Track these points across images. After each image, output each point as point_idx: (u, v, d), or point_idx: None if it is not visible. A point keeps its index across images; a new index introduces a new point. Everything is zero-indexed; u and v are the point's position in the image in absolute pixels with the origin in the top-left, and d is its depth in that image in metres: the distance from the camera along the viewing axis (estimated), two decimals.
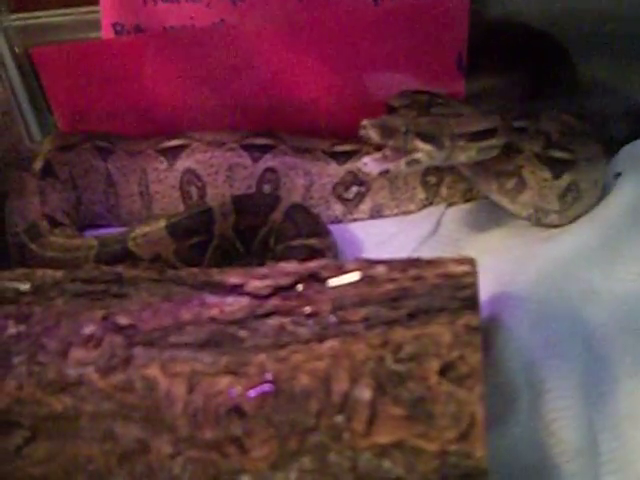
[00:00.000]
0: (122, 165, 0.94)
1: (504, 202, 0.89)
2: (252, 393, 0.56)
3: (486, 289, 0.67)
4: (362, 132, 0.79)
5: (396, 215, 0.97)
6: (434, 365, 0.56)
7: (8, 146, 0.95)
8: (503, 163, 0.88)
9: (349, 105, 0.92)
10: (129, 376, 0.58)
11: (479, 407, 0.54)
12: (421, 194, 0.94)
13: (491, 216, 0.93)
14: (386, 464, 0.53)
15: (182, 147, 0.94)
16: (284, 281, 0.62)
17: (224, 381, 0.57)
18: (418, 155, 0.82)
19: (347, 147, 0.97)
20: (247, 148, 0.93)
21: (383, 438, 0.54)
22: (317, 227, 0.85)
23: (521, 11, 0.91)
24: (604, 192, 0.89)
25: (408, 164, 0.82)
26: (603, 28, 0.91)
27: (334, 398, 0.55)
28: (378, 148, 0.81)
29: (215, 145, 0.92)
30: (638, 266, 0.83)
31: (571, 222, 0.89)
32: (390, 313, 0.58)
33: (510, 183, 0.89)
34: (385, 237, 0.90)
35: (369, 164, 0.80)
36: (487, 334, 0.74)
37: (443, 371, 0.56)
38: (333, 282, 0.62)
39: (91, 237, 0.85)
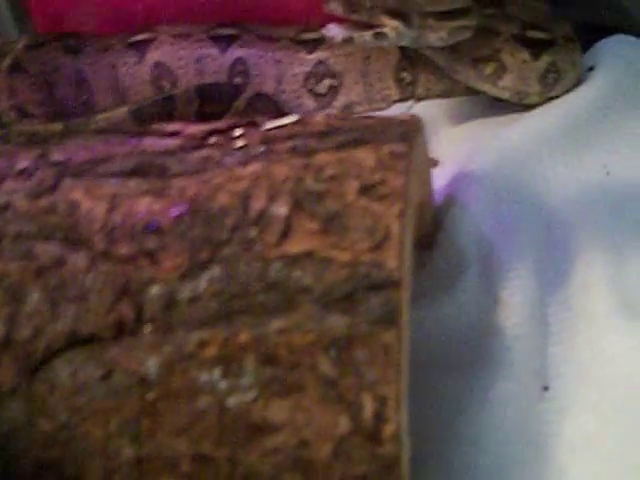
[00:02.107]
0: (92, 61, 0.96)
1: (484, 87, 0.89)
2: (170, 211, 0.55)
3: (447, 175, 0.66)
4: (325, 6, 0.78)
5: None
6: (354, 185, 0.55)
7: None
8: (480, 48, 0.87)
9: None
10: (54, 199, 0.57)
11: (396, 222, 0.53)
12: (395, 94, 0.91)
13: (460, 109, 0.90)
14: (296, 273, 0.52)
15: (150, 40, 0.94)
16: (222, 125, 0.62)
17: (144, 201, 0.56)
18: (385, 29, 0.81)
19: (314, 35, 0.95)
20: (214, 39, 0.93)
21: (294, 248, 0.53)
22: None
23: None
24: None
25: (375, 36, 0.82)
26: None
27: (251, 214, 0.54)
28: None
29: (182, 37, 0.92)
30: (604, 158, 0.81)
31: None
32: (316, 144, 0.57)
33: (489, 68, 0.88)
34: None
35: (333, 29, 0.79)
36: (441, 212, 0.72)
37: (363, 190, 0.54)
38: (269, 124, 0.61)
39: (56, 123, 0.85)
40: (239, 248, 0.53)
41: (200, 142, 0.61)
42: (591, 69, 0.89)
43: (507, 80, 0.86)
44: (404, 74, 0.92)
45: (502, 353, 0.64)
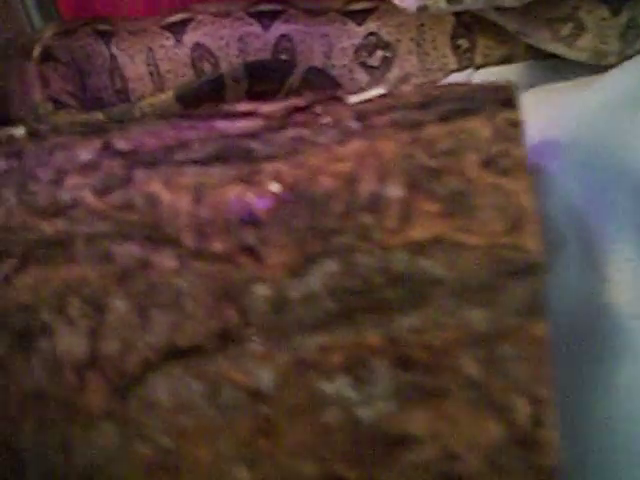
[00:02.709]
0: (126, 46, 0.86)
1: (560, 49, 0.81)
2: (266, 200, 0.47)
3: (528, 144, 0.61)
4: None
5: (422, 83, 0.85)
6: (473, 159, 0.47)
7: (10, 37, 0.87)
8: (556, 8, 0.79)
9: None
10: (128, 194, 0.50)
11: (528, 198, 0.45)
12: (452, 62, 0.83)
13: (526, 75, 0.83)
14: (423, 262, 0.44)
15: (187, 21, 0.85)
16: (301, 102, 0.54)
17: (234, 190, 0.48)
18: None
19: (362, 5, 0.87)
20: (255, 15, 0.84)
21: (419, 234, 0.45)
22: (338, 89, 0.75)
23: None
24: None
25: (449, 1, 0.73)
26: None
27: (360, 198, 0.47)
28: None
29: (221, 16, 0.84)
30: None
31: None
32: (419, 116, 0.49)
33: (566, 29, 0.80)
34: None
35: None
36: None
37: (484, 165, 0.46)
38: (354, 99, 0.53)
39: (96, 112, 0.77)
40: (354, 237, 0.46)
41: (283, 121, 0.52)
42: None
43: (585, 40, 0.79)
44: (461, 41, 0.84)
45: (622, 335, 0.57)
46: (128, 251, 0.49)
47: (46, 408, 0.48)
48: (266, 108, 0.56)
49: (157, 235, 0.49)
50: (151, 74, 0.89)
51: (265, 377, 0.46)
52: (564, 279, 0.62)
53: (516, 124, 0.50)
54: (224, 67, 0.87)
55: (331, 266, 0.47)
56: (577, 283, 0.61)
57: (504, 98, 0.52)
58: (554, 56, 0.83)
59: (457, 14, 0.86)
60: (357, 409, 0.45)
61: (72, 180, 0.53)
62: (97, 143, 0.55)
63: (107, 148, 0.54)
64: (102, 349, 0.48)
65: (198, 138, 0.53)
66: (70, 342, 0.48)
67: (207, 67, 0.87)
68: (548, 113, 0.72)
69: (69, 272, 0.50)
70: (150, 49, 0.88)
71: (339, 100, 0.56)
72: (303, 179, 0.49)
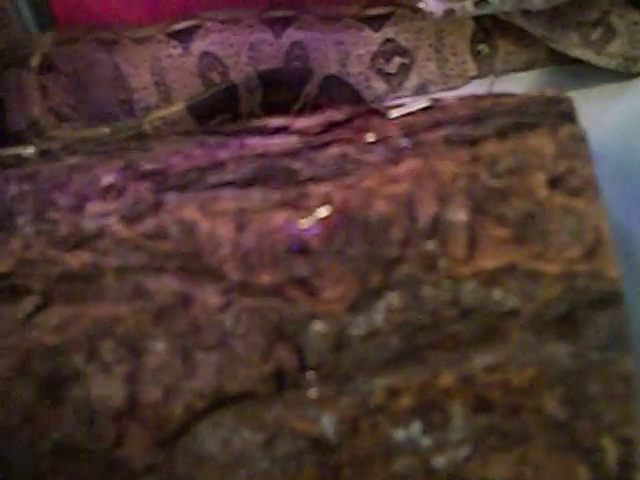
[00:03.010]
0: (130, 55, 0.80)
1: (588, 55, 0.78)
2: (316, 226, 0.42)
3: None
4: None
5: (442, 92, 0.84)
6: (540, 178, 0.43)
7: (5, 45, 0.81)
8: (585, 11, 0.77)
9: None
10: (161, 222, 0.44)
11: (604, 221, 0.41)
12: (472, 69, 0.79)
13: (550, 82, 0.79)
14: (497, 293, 0.40)
15: (195, 28, 0.79)
16: (338, 116, 0.49)
17: (280, 216, 0.43)
18: None
19: (379, 10, 0.83)
20: (267, 22, 0.79)
21: (489, 263, 0.40)
22: (358, 98, 0.71)
23: None
24: None
25: (476, 4, 0.70)
26: None
27: (421, 223, 0.42)
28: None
29: (231, 22, 0.78)
30: None
31: None
32: (473, 131, 0.45)
33: (596, 33, 0.77)
34: None
35: (431, 2, 0.65)
36: None
37: (552, 184, 0.42)
38: (396, 112, 0.48)
39: (101, 127, 0.71)
40: (418, 267, 0.42)
41: (323, 138, 0.47)
42: None
43: (616, 45, 0.77)
44: (481, 46, 0.80)
45: None
46: (165, 285, 0.44)
47: (80, 464, 0.42)
48: (301, 123, 0.51)
49: (197, 267, 0.44)
50: (157, 84, 0.83)
51: (328, 424, 0.41)
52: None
53: (580, 139, 0.46)
54: (234, 76, 0.82)
55: (395, 299, 0.43)
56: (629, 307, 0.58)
57: (563, 111, 0.48)
58: (577, 62, 0.78)
59: (477, 19, 0.83)
60: (431, 456, 0.40)
61: (95, 206, 0.48)
62: (119, 164, 0.50)
63: (131, 169, 0.49)
64: (141, 396, 0.43)
65: (231, 157, 0.49)
66: (105, 389, 0.43)
67: (216, 76, 0.83)
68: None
69: (99, 310, 0.45)
70: (156, 58, 0.81)
71: (379, 114, 0.51)
72: (356, 203, 0.45)
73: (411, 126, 0.49)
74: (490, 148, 0.46)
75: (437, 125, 0.49)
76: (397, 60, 0.81)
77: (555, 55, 0.80)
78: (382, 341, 0.42)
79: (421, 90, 0.83)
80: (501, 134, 0.47)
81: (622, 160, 0.68)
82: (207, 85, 0.84)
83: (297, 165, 0.47)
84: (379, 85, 0.84)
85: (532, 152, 0.46)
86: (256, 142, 0.51)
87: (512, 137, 0.47)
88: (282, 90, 0.75)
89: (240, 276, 0.44)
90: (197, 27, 0.84)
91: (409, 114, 0.51)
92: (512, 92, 0.52)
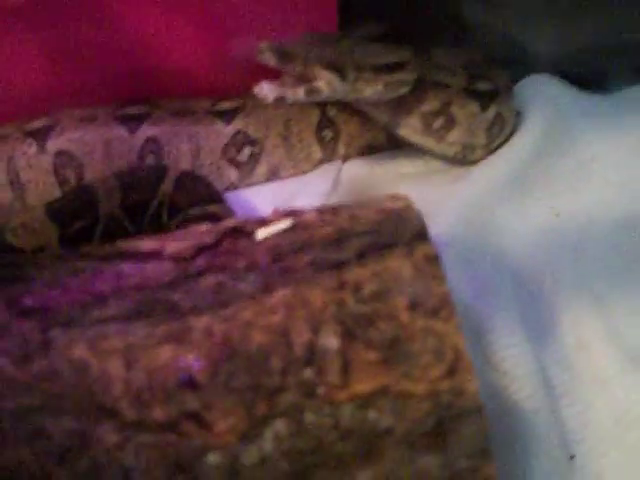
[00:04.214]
0: None
1: (429, 143, 0.86)
2: (201, 360, 0.46)
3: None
4: (259, 56, 0.75)
5: (293, 175, 0.89)
6: (401, 301, 0.48)
7: None
8: (428, 101, 0.84)
9: (226, 65, 0.83)
10: (51, 362, 0.47)
11: (460, 339, 0.48)
12: (317, 152, 0.86)
13: (392, 166, 0.88)
14: (372, 415, 0.46)
15: (51, 127, 0.82)
16: (207, 239, 0.53)
17: (166, 352, 0.47)
18: (319, 84, 0.77)
19: (230, 104, 0.89)
20: (122, 119, 0.83)
21: (363, 386, 0.46)
22: (212, 193, 0.77)
23: None
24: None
25: (307, 92, 0.77)
26: None
27: (298, 351, 0.47)
28: None
29: (86, 121, 0.82)
30: (550, 200, 0.84)
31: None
32: (337, 255, 0.50)
33: (438, 122, 0.85)
34: (284, 199, 0.82)
35: (265, 88, 0.75)
36: None
37: (412, 306, 0.48)
38: (262, 233, 0.53)
39: None
40: (299, 394, 0.47)
41: (198, 265, 0.52)
42: (517, 113, 0.89)
43: (455, 134, 0.85)
44: (325, 132, 0.86)
45: (524, 429, 0.62)
46: (62, 426, 0.48)
47: None
48: (172, 247, 0.55)
49: (92, 406, 0.48)
50: (11, 183, 0.85)
51: None
52: None
53: (434, 259, 0.52)
54: (90, 175, 0.84)
55: (281, 427, 0.48)
56: (477, 377, 0.65)
57: (416, 229, 0.54)
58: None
59: (323, 108, 0.89)
60: None
61: None
62: (0, 301, 0.52)
63: (13, 307, 0.52)
64: None
65: (112, 290, 0.52)
66: None
67: (70, 174, 0.85)
68: (425, 208, 0.76)
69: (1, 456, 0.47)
70: (10, 158, 0.84)
71: (246, 234, 0.56)
72: (236, 335, 0.49)
73: (276, 250, 0.54)
74: (354, 273, 0.52)
75: (302, 249, 0.54)
76: (247, 149, 0.87)
77: (393, 139, 0.86)
78: (272, 466, 0.47)
79: (272, 175, 0.89)
80: (361, 255, 0.53)
81: (466, 245, 0.75)
82: (61, 183, 0.85)
83: (176, 297, 0.52)
84: (231, 173, 0.88)
85: (391, 276, 0.51)
86: (132, 270, 0.54)
87: (372, 259, 0.52)
88: (139, 190, 0.79)
89: (134, 413, 0.48)
90: (53, 126, 0.86)
91: (275, 235, 0.56)
92: (364, 202, 0.58)
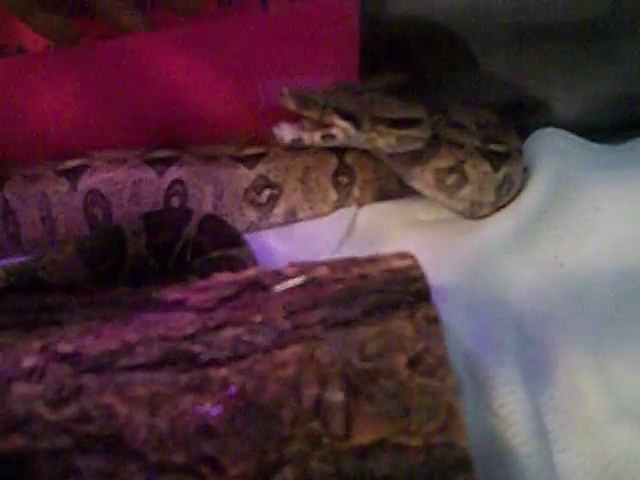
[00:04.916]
0: (20, 191, 0.89)
1: (440, 197, 0.91)
2: (219, 409, 0.53)
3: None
4: (281, 100, 0.81)
5: (310, 218, 0.96)
6: (401, 360, 0.54)
7: None
8: (443, 158, 0.89)
9: (250, 112, 0.89)
10: (83, 406, 0.53)
11: (454, 397, 0.54)
12: (333, 195, 0.94)
13: (405, 213, 0.93)
14: (371, 464, 0.52)
15: (83, 167, 0.89)
16: (227, 291, 0.60)
17: (187, 400, 0.53)
18: (335, 131, 0.83)
19: (254, 150, 0.95)
20: (151, 162, 0.89)
21: (364, 439, 0.52)
22: (234, 237, 0.83)
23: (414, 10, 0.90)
24: None
25: (323, 138, 0.83)
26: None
27: (306, 404, 0.53)
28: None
29: (117, 162, 0.88)
30: (555, 250, 0.87)
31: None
32: (345, 313, 0.56)
33: (450, 179, 0.90)
34: (301, 243, 0.88)
35: (284, 129, 0.82)
36: None
37: (411, 365, 0.54)
38: (278, 288, 0.59)
39: None
40: (306, 444, 0.53)
41: (216, 316, 0.58)
42: (524, 169, 0.93)
43: (466, 191, 0.89)
44: (341, 178, 0.92)
45: (519, 474, 0.66)
46: (93, 464, 0.54)
47: None
48: (195, 298, 0.61)
49: (120, 449, 0.54)
50: (43, 219, 0.91)
51: None
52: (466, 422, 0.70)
53: (434, 320, 0.58)
54: (115, 212, 0.91)
55: (288, 473, 0.53)
56: (475, 426, 0.70)
57: (420, 290, 0.60)
58: None
59: (340, 156, 0.96)
60: None
61: (20, 389, 0.56)
62: (37, 344, 0.59)
63: (48, 350, 0.58)
64: None
65: (139, 340, 0.58)
66: None
67: (98, 211, 0.91)
68: (433, 258, 0.81)
69: None
70: (44, 195, 0.90)
71: (263, 287, 0.62)
72: (251, 386, 0.55)
73: (291, 306, 0.60)
74: (361, 333, 0.58)
75: (313, 306, 0.60)
76: (267, 192, 0.93)
77: (405, 186, 0.93)
78: None
79: (290, 216, 0.96)
80: (368, 314, 0.59)
81: (471, 293, 0.80)
82: (90, 220, 0.93)
83: (197, 348, 0.58)
84: (250, 213, 0.96)
85: (394, 335, 0.57)
86: (157, 319, 0.61)
87: (377, 317, 0.58)
88: (164, 232, 0.85)
89: (157, 456, 0.54)
90: (85, 166, 0.93)
91: (290, 290, 0.62)
92: (374, 258, 0.64)
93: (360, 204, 0.97)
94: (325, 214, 0.98)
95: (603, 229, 0.89)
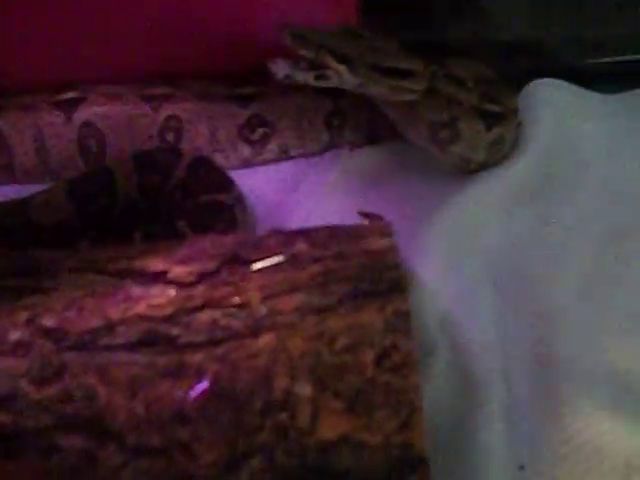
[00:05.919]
0: (14, 121, 0.90)
1: (431, 149, 0.91)
2: (193, 396, 0.56)
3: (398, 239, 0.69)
4: (280, 35, 0.81)
5: (302, 155, 0.99)
6: (369, 355, 0.57)
7: None
8: (439, 112, 0.89)
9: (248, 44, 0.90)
10: (66, 386, 0.57)
11: (417, 396, 0.57)
12: (325, 136, 0.96)
13: (395, 159, 0.94)
14: (333, 457, 0.55)
15: (79, 100, 0.90)
16: (208, 265, 0.62)
17: (164, 385, 0.56)
18: (328, 72, 0.83)
19: (249, 90, 0.96)
20: (147, 98, 0.90)
21: (328, 434, 0.55)
22: (222, 181, 0.84)
23: None
24: None
25: (317, 78, 0.84)
26: None
27: (276, 395, 0.56)
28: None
29: (113, 96, 0.89)
30: (540, 208, 0.89)
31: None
32: (320, 299, 0.58)
33: (444, 133, 0.90)
34: (291, 184, 0.90)
35: (279, 64, 0.83)
36: None
37: (378, 361, 0.57)
38: (257, 266, 0.61)
39: None
40: (274, 436, 0.56)
41: (196, 297, 0.61)
42: (518, 124, 0.92)
43: (458, 147, 0.90)
44: (334, 119, 0.93)
45: (488, 438, 0.70)
46: (74, 443, 0.58)
47: None
48: (176, 271, 0.64)
49: (100, 430, 0.58)
50: (37, 150, 0.93)
51: None
52: (437, 382, 0.75)
53: (404, 315, 0.60)
54: (109, 144, 0.92)
55: (256, 463, 0.58)
56: (447, 390, 0.74)
57: (393, 281, 0.62)
58: None
59: (335, 100, 0.97)
60: None
61: (5, 362, 0.60)
62: (22, 316, 0.62)
63: (33, 323, 0.62)
64: None
65: (120, 319, 0.62)
66: None
67: (92, 143, 0.93)
68: (419, 211, 0.83)
69: (20, 467, 0.58)
70: (39, 125, 0.92)
71: (243, 263, 0.65)
72: (225, 374, 0.59)
73: (268, 290, 0.63)
74: (332, 324, 0.61)
75: (291, 290, 0.63)
76: (261, 130, 0.95)
77: (394, 131, 0.93)
78: None
79: (282, 153, 0.98)
80: (341, 302, 0.62)
81: (450, 253, 0.84)
82: (84, 152, 0.95)
83: (175, 331, 0.61)
84: (244, 150, 0.98)
85: (364, 329, 0.60)
86: (139, 294, 0.64)
87: (350, 308, 0.61)
88: (154, 173, 0.87)
89: (135, 439, 0.58)
90: (81, 99, 0.94)
91: (268, 268, 0.65)
92: (353, 230, 0.66)
93: (351, 146, 0.96)
94: (316, 153, 0.99)
95: (591, 187, 0.90)
